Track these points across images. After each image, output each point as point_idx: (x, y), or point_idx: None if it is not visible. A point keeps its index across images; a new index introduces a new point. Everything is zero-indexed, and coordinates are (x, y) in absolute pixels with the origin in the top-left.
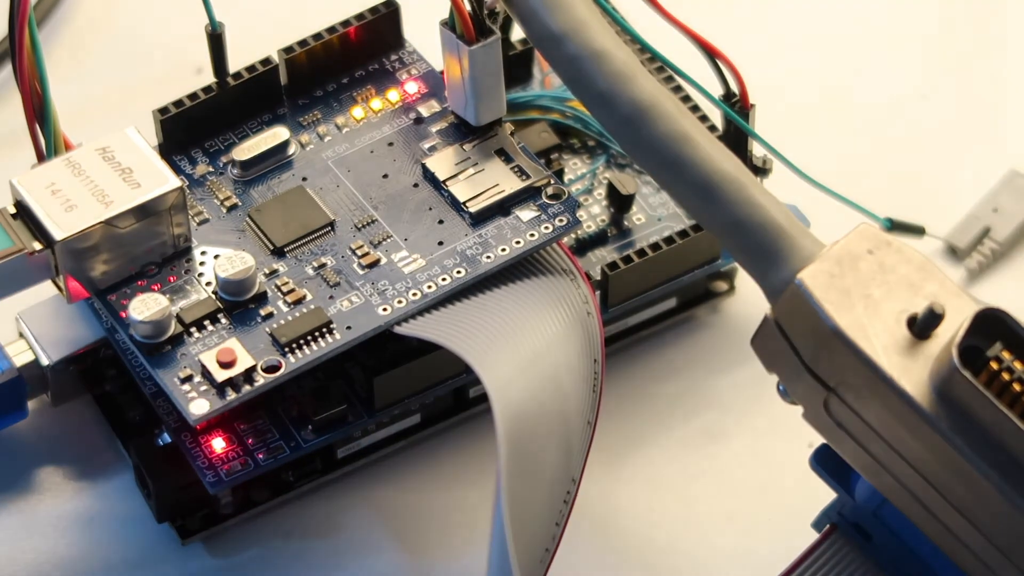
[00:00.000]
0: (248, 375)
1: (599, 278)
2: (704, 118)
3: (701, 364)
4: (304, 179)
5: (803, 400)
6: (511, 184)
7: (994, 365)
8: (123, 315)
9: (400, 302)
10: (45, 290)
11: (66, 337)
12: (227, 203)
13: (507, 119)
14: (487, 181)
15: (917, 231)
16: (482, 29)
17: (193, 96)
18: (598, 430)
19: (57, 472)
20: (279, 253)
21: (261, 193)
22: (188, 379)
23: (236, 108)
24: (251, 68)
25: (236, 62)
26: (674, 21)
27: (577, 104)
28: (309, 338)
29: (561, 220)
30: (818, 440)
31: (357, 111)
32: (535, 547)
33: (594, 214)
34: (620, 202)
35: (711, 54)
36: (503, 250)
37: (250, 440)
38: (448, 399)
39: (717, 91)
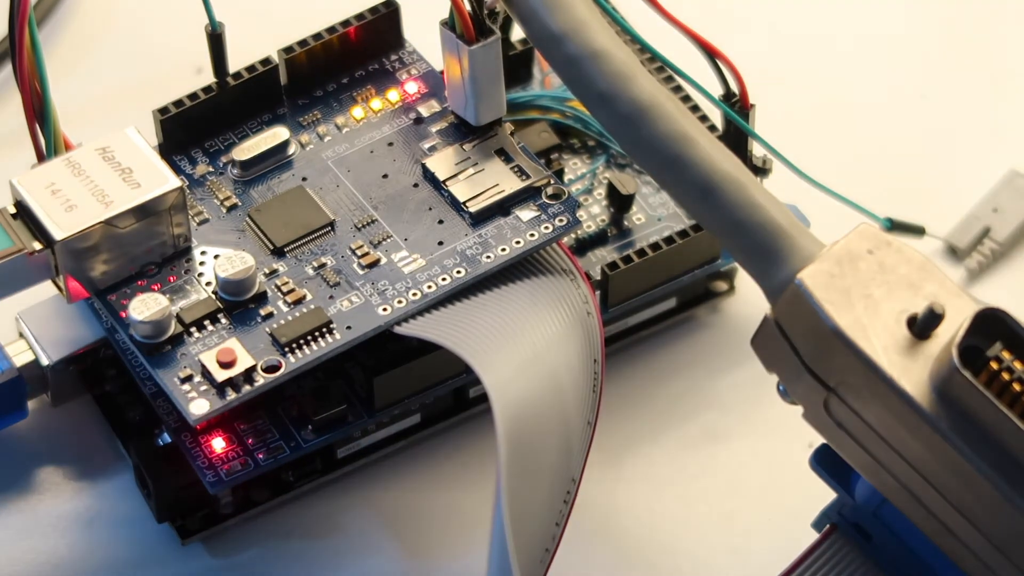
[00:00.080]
0: (248, 375)
1: (599, 278)
2: (704, 118)
3: (701, 364)
4: (304, 179)
5: (803, 400)
6: (511, 184)
7: (994, 365)
8: (123, 315)
9: (400, 302)
10: (45, 290)
11: (66, 337)
12: (227, 203)
13: (507, 119)
14: (487, 181)
15: (917, 231)
16: (482, 29)
17: (193, 96)
18: (598, 430)
19: (57, 472)
20: (279, 253)
21: (261, 193)
22: (188, 379)
23: (236, 108)
24: (251, 68)
25: (236, 62)
26: (674, 21)
27: (577, 104)
28: (309, 338)
29: (561, 220)
30: (818, 440)
31: (357, 111)
32: (535, 547)
33: (594, 214)
34: (620, 202)
35: (711, 54)
36: (503, 250)
37: (250, 440)
38: (448, 399)
39: (717, 91)
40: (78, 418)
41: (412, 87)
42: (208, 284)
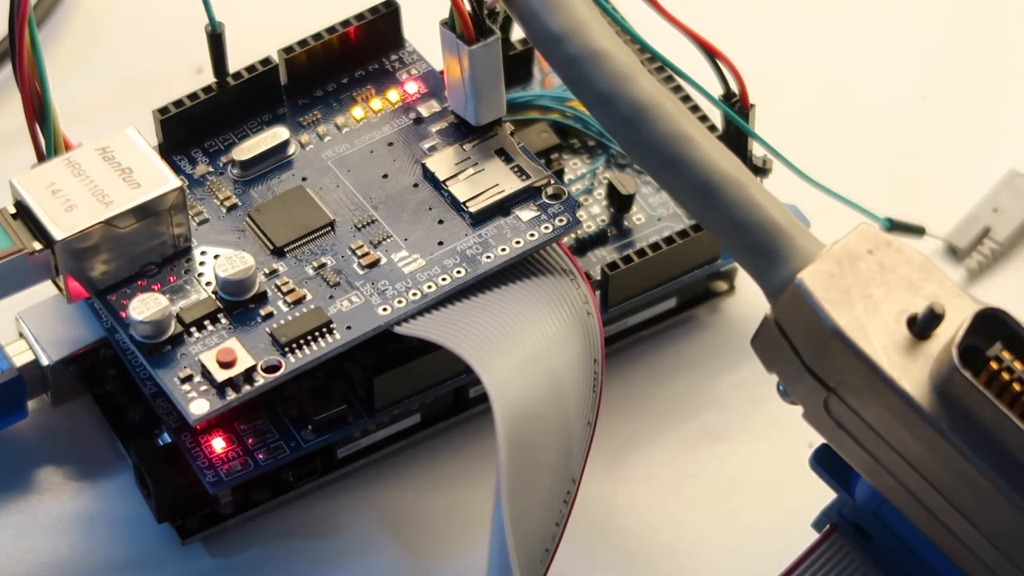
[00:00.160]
0: (248, 375)
1: (599, 278)
2: (704, 118)
3: (701, 364)
4: (304, 179)
5: (803, 400)
6: (511, 184)
7: (994, 365)
8: (123, 315)
9: (400, 302)
10: (45, 290)
11: (66, 337)
12: (227, 203)
13: (507, 119)
14: (487, 181)
15: (917, 231)
16: (482, 29)
17: (193, 96)
18: (598, 430)
19: (57, 472)
20: (279, 253)
21: (261, 193)
22: (188, 379)
23: (236, 108)
24: (251, 68)
25: (236, 62)
26: (674, 21)
27: (577, 104)
28: (309, 338)
29: (561, 220)
30: (818, 440)
31: (357, 111)
32: (535, 547)
33: (594, 214)
34: (620, 202)
35: (711, 54)
36: (503, 250)
37: (250, 440)
38: (448, 399)
39: (717, 91)
40: (78, 418)
41: (412, 87)
42: (208, 284)
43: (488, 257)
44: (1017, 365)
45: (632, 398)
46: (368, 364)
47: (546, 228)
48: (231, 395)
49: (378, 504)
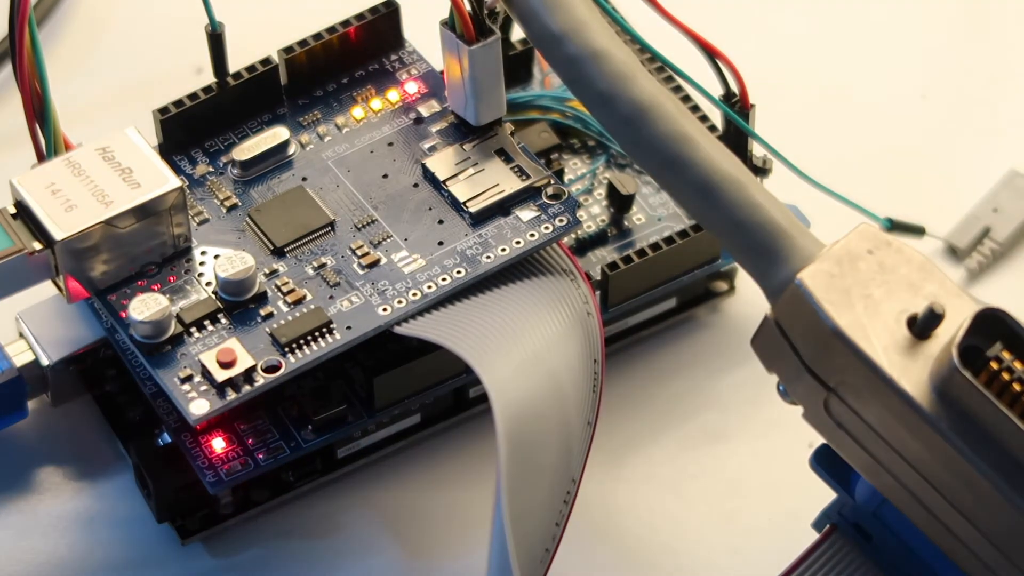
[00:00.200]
0: (248, 375)
1: (599, 278)
2: (704, 118)
3: (701, 364)
4: (304, 179)
5: (803, 400)
6: (511, 184)
7: (994, 365)
8: (123, 315)
9: (400, 302)
10: (45, 290)
11: (66, 337)
12: (227, 203)
13: (507, 119)
14: (487, 181)
15: (917, 231)
16: (482, 29)
17: (193, 96)
18: (598, 430)
19: (57, 472)
20: (279, 253)
21: (261, 193)
22: (188, 379)
23: (236, 108)
24: (251, 68)
25: (236, 62)
26: (674, 21)
27: (577, 104)
28: (309, 338)
29: (561, 220)
30: (818, 440)
31: (357, 111)
32: (535, 547)
33: (594, 214)
34: (620, 202)
35: (711, 54)
36: (503, 250)
37: (250, 440)
38: (448, 399)
39: (717, 91)
40: (78, 418)
41: (412, 87)
42: (208, 284)
43: (488, 257)
44: (1017, 365)
45: (632, 398)
46: (368, 364)
47: (546, 228)
48: (231, 395)
49: (378, 504)
